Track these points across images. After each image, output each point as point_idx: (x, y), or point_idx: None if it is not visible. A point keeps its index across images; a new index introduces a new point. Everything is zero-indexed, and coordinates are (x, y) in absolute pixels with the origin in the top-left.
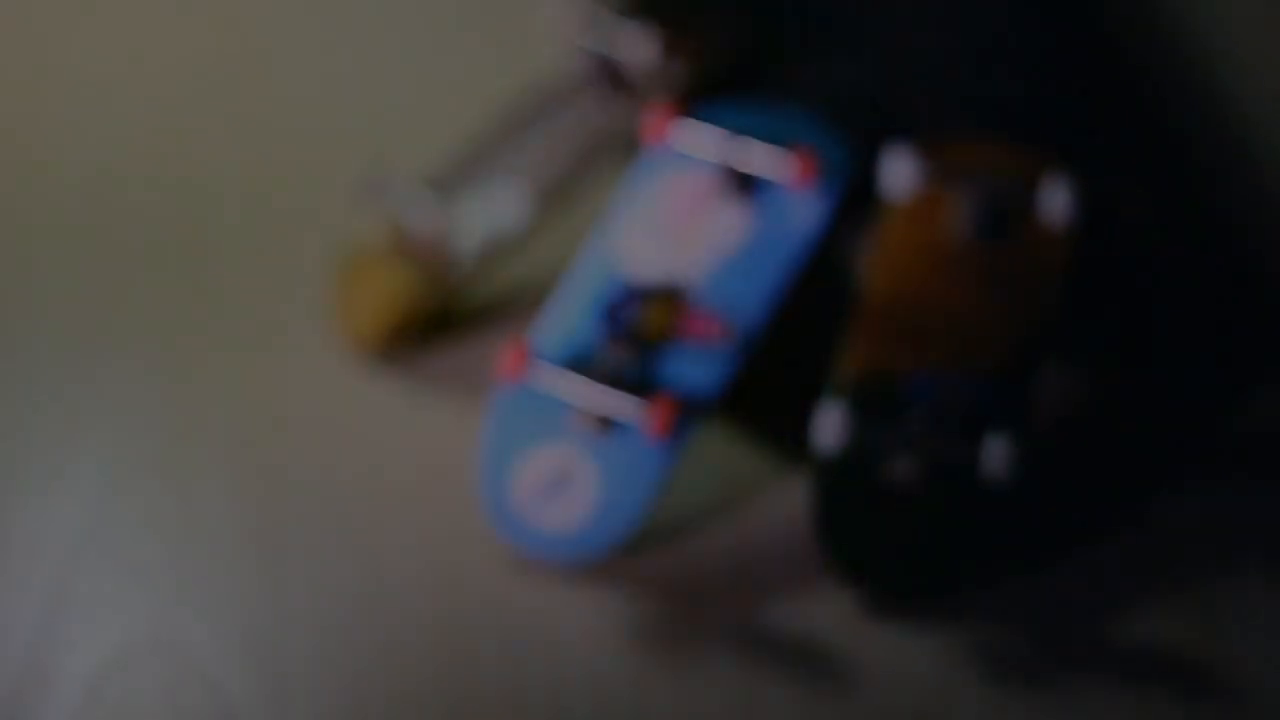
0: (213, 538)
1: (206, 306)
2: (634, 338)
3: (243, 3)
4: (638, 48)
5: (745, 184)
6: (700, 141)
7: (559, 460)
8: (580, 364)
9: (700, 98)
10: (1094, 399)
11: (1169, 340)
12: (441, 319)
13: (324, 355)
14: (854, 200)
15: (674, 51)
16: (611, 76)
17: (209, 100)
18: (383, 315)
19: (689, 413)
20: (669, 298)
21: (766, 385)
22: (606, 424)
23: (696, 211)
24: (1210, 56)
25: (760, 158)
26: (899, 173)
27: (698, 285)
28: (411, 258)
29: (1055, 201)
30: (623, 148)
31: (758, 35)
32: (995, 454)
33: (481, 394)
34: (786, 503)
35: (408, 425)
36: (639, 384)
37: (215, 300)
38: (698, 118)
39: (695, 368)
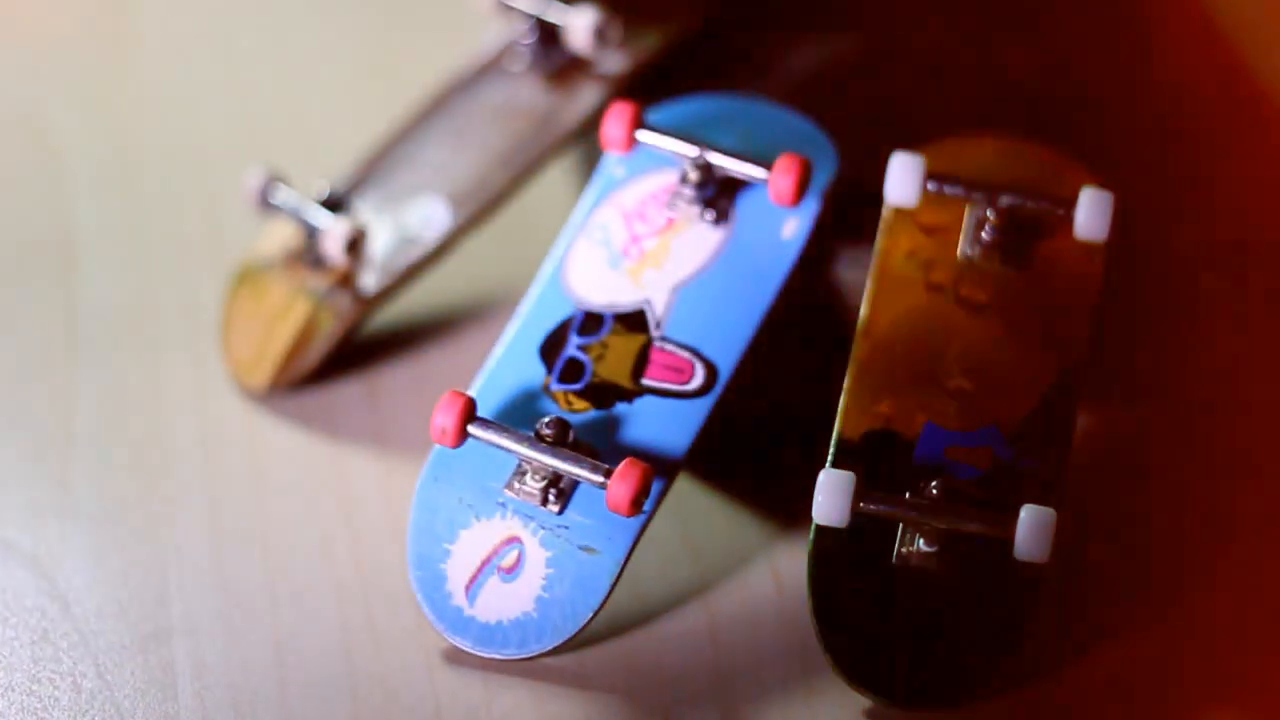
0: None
1: (77, 321)
2: (589, 384)
3: None
4: (586, 19)
5: (718, 195)
6: (666, 144)
7: (502, 537)
8: (526, 423)
9: (663, 89)
10: (1126, 443)
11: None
12: (345, 348)
13: (211, 384)
14: (848, 214)
15: (629, 24)
16: (552, 57)
17: (76, 86)
18: (273, 343)
19: (657, 474)
20: (630, 332)
21: (749, 439)
22: (559, 497)
23: (660, 229)
24: None
25: (735, 164)
26: (901, 180)
27: (662, 317)
28: (310, 275)
29: (1093, 213)
30: (572, 148)
31: (725, 9)
32: (1030, 527)
33: (394, 445)
34: (777, 582)
35: (305, 478)
36: (597, 443)
37: (88, 314)
38: (662, 116)
39: (662, 421)
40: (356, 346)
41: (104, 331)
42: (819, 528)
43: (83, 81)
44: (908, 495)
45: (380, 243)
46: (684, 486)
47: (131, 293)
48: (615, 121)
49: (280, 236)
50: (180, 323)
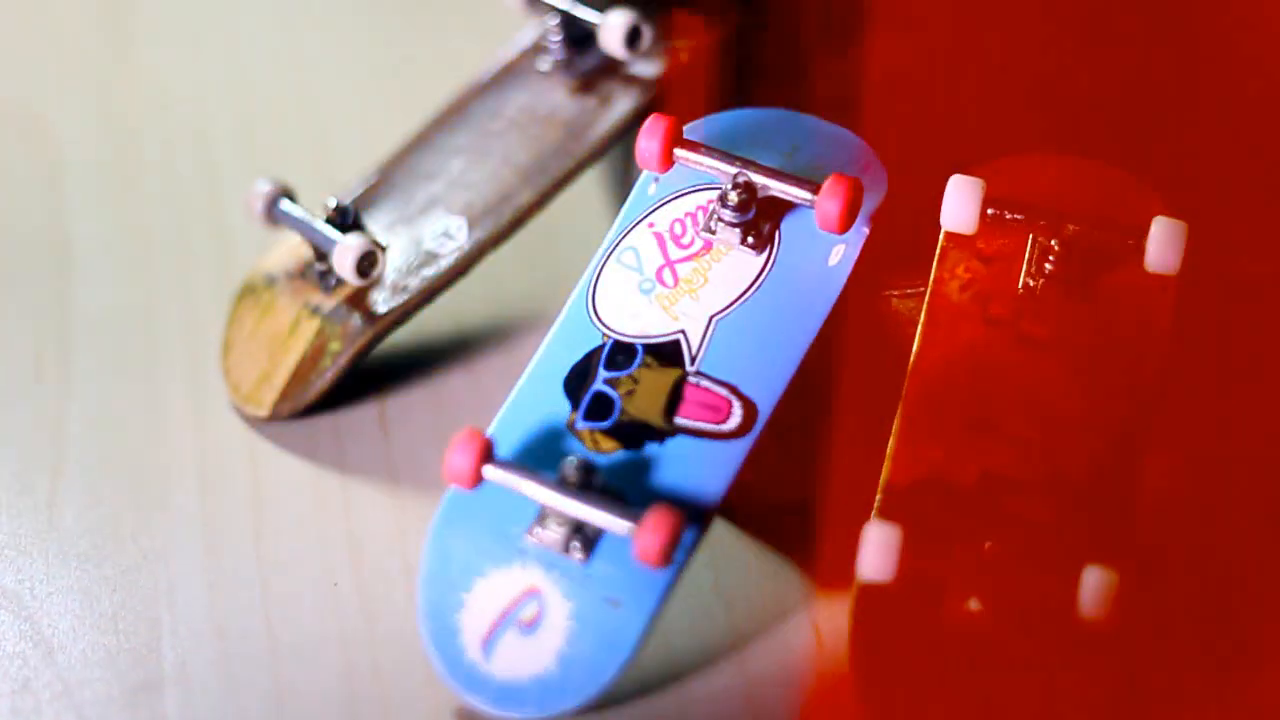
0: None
1: (70, 333)
2: (618, 422)
3: None
4: (620, 20)
5: (760, 218)
6: (705, 162)
7: (521, 588)
8: (549, 463)
9: (702, 99)
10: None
11: None
12: (355, 372)
13: (211, 408)
14: (899, 240)
15: (665, 26)
16: (583, 60)
17: (78, 79)
18: (278, 365)
19: (689, 524)
20: (662, 366)
21: (790, 484)
22: (583, 544)
23: (698, 254)
24: None
25: (780, 184)
26: (958, 204)
27: (697, 349)
28: (319, 293)
29: (1164, 245)
30: (606, 165)
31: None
32: (1093, 588)
33: (407, 479)
34: (817, 637)
35: (310, 514)
36: (625, 488)
37: (82, 326)
38: (701, 130)
39: (696, 463)
40: (368, 370)
41: (98, 346)
42: (864, 584)
43: (85, 75)
44: (960, 551)
45: (394, 261)
46: (718, 532)
47: (129, 304)
48: (651, 137)
49: (289, 251)
50: (180, 339)
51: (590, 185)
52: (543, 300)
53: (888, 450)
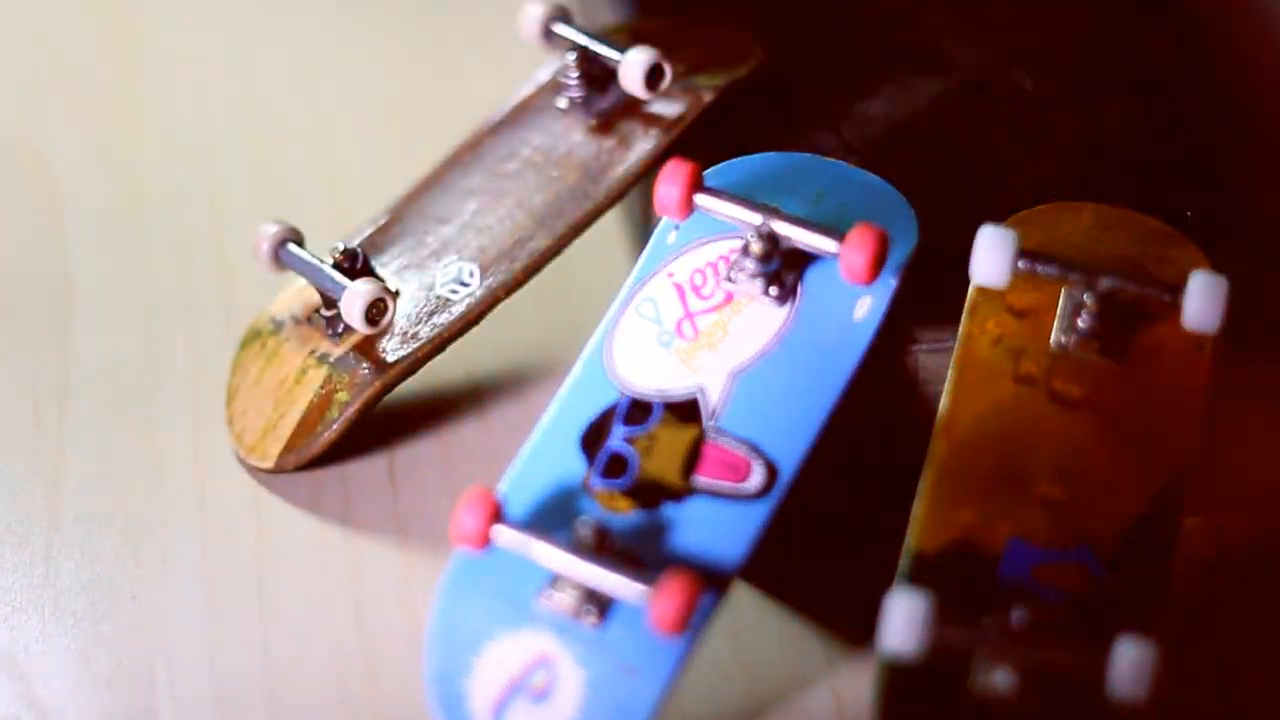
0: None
1: (69, 378)
2: (634, 481)
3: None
4: (641, 58)
5: (784, 269)
6: (727, 210)
7: (532, 653)
8: (562, 524)
9: (725, 142)
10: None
11: None
12: (364, 422)
13: (214, 459)
14: (928, 295)
15: (688, 65)
16: (602, 98)
17: (82, 113)
18: (283, 415)
19: (708, 589)
20: (680, 423)
21: (812, 549)
22: (597, 607)
23: (718, 305)
24: None
25: (804, 234)
26: (990, 258)
27: (718, 407)
28: (326, 340)
29: (1203, 301)
30: (625, 207)
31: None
32: (1128, 662)
33: (416, 535)
34: (839, 707)
35: (315, 572)
36: (641, 551)
37: (82, 371)
38: (723, 176)
39: (715, 525)
40: (376, 420)
41: (98, 393)
42: (888, 657)
43: (89, 112)
44: (988, 621)
45: (404, 307)
46: (738, 595)
47: (131, 350)
48: (670, 183)
49: (296, 294)
50: (183, 387)
51: (609, 229)
52: (558, 348)
53: (914, 513)
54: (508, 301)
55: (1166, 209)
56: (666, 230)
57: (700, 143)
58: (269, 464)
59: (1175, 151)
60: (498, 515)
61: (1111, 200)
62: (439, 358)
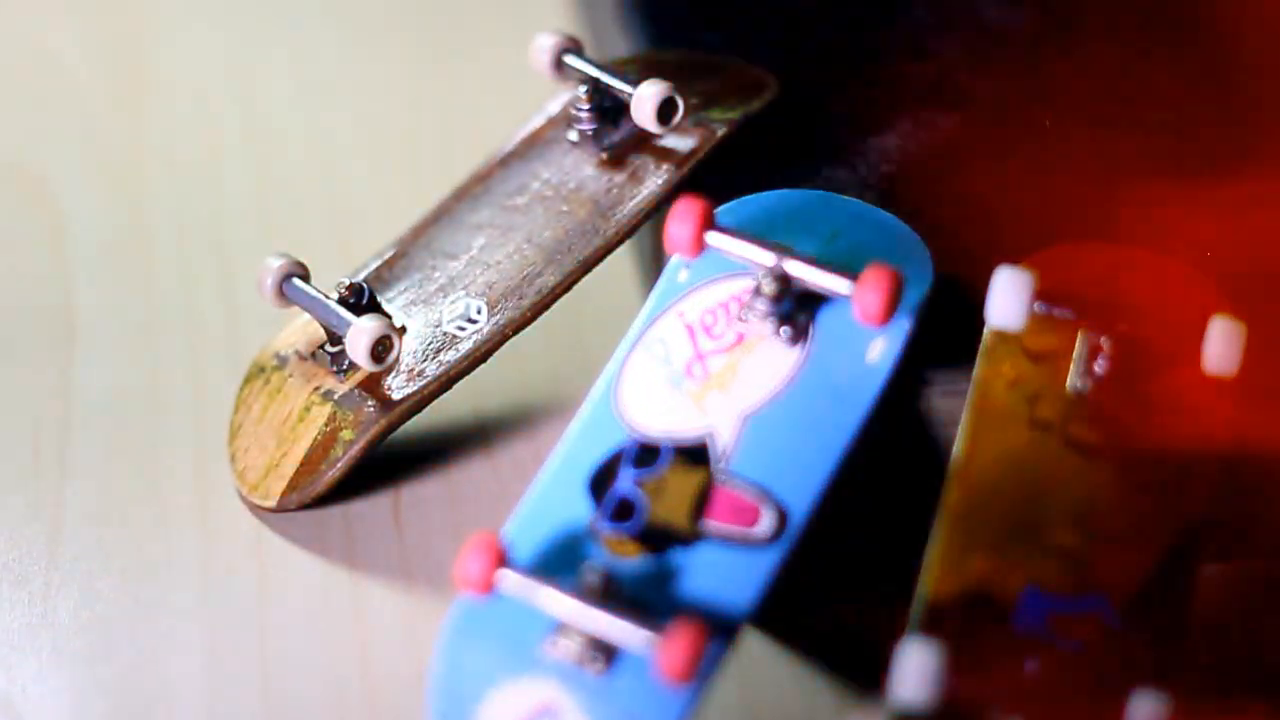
0: None
1: (71, 412)
2: (642, 526)
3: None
4: (654, 91)
5: (797, 309)
6: (738, 250)
7: (537, 701)
8: (567, 569)
9: (738, 177)
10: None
11: None
12: (367, 462)
13: (216, 497)
14: (935, 334)
15: (702, 98)
16: (615, 132)
17: (87, 142)
18: (287, 453)
19: (716, 636)
20: (690, 466)
21: (821, 596)
22: (602, 656)
23: (729, 346)
24: None
25: (816, 275)
26: (1005, 300)
27: (728, 450)
28: (331, 377)
29: (1222, 346)
30: (637, 243)
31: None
32: (1144, 716)
33: (421, 577)
34: None
35: (318, 613)
36: (648, 597)
37: (84, 405)
38: (735, 214)
39: (724, 571)
40: (381, 458)
41: (99, 429)
42: (899, 709)
43: (94, 141)
44: (1002, 672)
45: (410, 344)
46: (747, 641)
47: (133, 385)
48: (681, 221)
49: (300, 329)
50: (186, 423)
51: (621, 265)
52: (568, 386)
53: (927, 559)
54: (517, 338)
55: (1186, 248)
56: (677, 268)
57: (713, 177)
58: (271, 503)
59: (1195, 190)
60: (502, 560)
61: (1131, 241)
62: (450, 396)
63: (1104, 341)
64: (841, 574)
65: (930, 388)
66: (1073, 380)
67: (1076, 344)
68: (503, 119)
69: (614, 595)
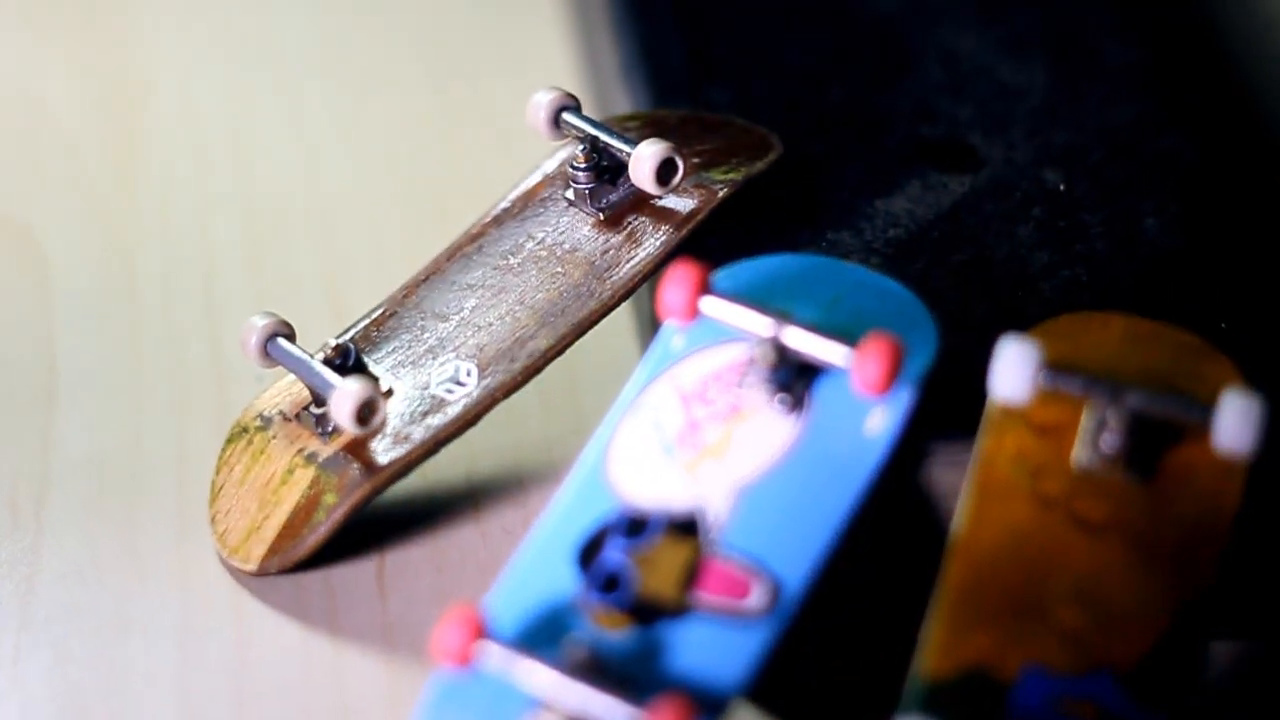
0: None
1: (49, 471)
2: (630, 598)
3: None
4: (653, 150)
5: (793, 380)
6: (735, 317)
7: None
8: (551, 642)
9: (739, 239)
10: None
11: None
12: (352, 525)
13: (196, 560)
14: (945, 409)
15: (702, 159)
16: (613, 192)
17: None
18: (268, 516)
19: (704, 714)
20: (681, 538)
21: (815, 675)
22: None
23: (723, 415)
24: None
25: (815, 343)
26: (1010, 372)
27: (720, 522)
28: (315, 440)
29: (1236, 422)
30: (636, 305)
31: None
32: None
33: (404, 646)
34: None
35: (296, 683)
36: (635, 672)
37: (63, 463)
38: (733, 279)
39: (714, 646)
40: (366, 521)
41: (79, 485)
42: None
43: (83, 189)
44: None
45: (398, 406)
46: (741, 716)
47: (116, 444)
48: (675, 287)
49: (285, 391)
50: (168, 484)
51: (619, 327)
52: (561, 451)
53: (924, 635)
54: (511, 401)
55: (1202, 321)
56: (671, 334)
57: (714, 240)
58: (252, 566)
59: (1213, 259)
60: (482, 632)
61: (1144, 310)
62: (439, 459)
63: (1112, 415)
64: (837, 649)
65: (932, 459)
66: (1078, 455)
67: (1083, 418)
68: (503, 176)
69: (598, 670)
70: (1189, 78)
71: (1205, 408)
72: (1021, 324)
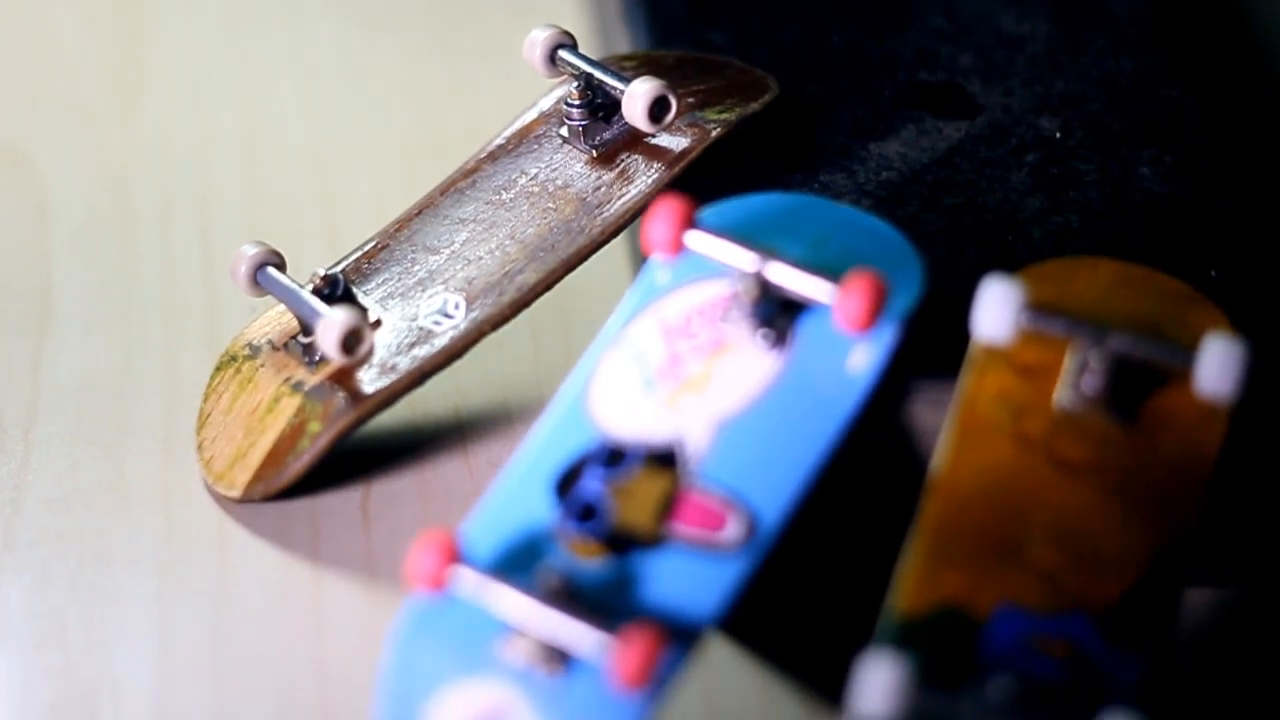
0: None
1: (39, 395)
2: (607, 528)
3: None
4: (647, 88)
5: (776, 315)
6: (719, 252)
7: (487, 703)
8: (526, 569)
9: (731, 178)
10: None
11: None
12: (338, 455)
13: (181, 486)
14: (928, 347)
15: (697, 98)
16: (606, 130)
17: (75, 118)
18: (254, 444)
19: (675, 643)
20: (659, 469)
21: (788, 608)
22: (557, 658)
23: (706, 349)
24: None
25: (799, 279)
26: (992, 311)
27: (699, 455)
28: (302, 369)
29: (1219, 367)
30: (628, 242)
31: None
32: None
33: (385, 575)
34: None
35: (275, 608)
36: (608, 601)
37: (53, 387)
38: (721, 216)
39: (688, 577)
40: (353, 452)
41: (68, 411)
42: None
43: (84, 122)
44: (967, 689)
45: (385, 337)
46: (714, 650)
47: (107, 367)
48: (661, 221)
49: (275, 321)
50: (157, 410)
51: (612, 265)
52: (551, 388)
53: (900, 572)
54: (504, 338)
55: (1192, 269)
56: (656, 269)
57: (708, 179)
58: (236, 493)
59: (1205, 209)
60: (457, 557)
61: (1135, 257)
62: (428, 392)
63: (1092, 358)
64: (814, 583)
65: (917, 398)
66: (1060, 396)
67: (1066, 359)
68: (507, 114)
69: (571, 597)
70: (1194, 30)
71: (1188, 352)
72: (1011, 268)
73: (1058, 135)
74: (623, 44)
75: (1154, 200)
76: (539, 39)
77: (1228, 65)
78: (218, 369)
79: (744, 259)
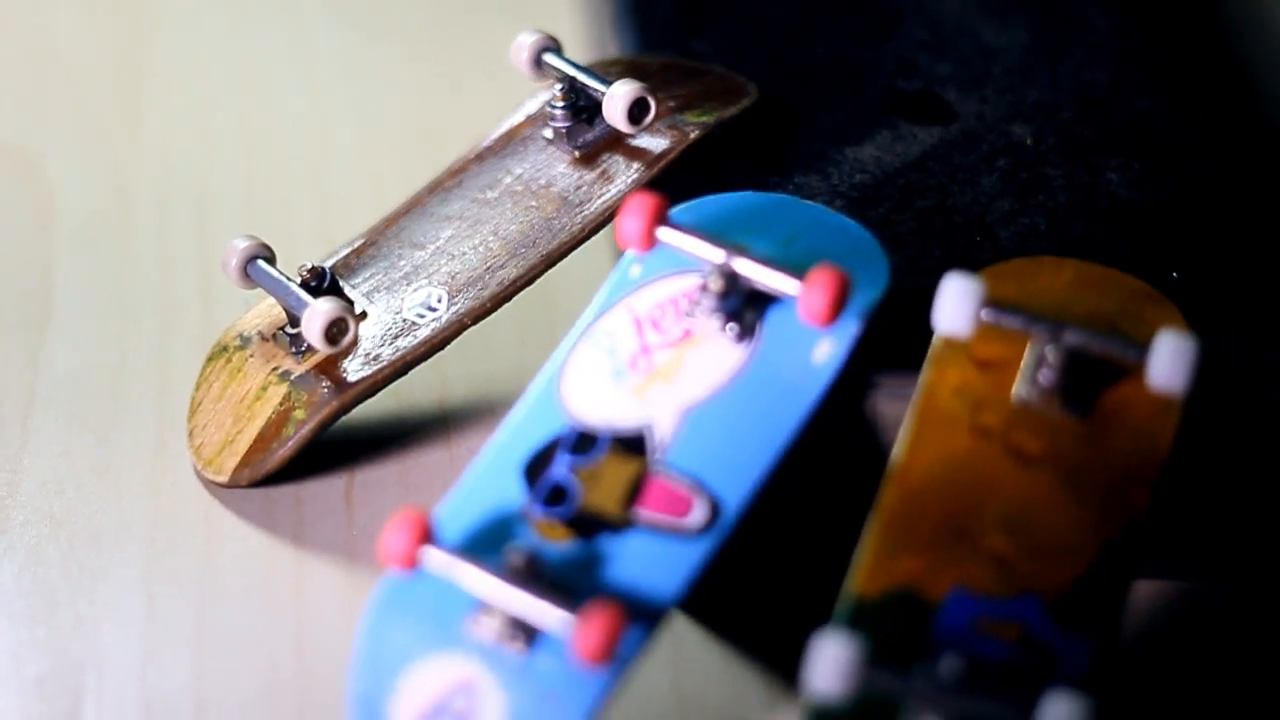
0: None
1: (37, 387)
2: (574, 511)
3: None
4: (627, 90)
5: (744, 308)
6: (688, 246)
7: (456, 678)
8: (495, 550)
9: (709, 178)
10: (1195, 631)
11: None
12: (324, 443)
13: (171, 473)
14: (889, 340)
15: (677, 101)
16: (588, 131)
17: (80, 119)
18: (241, 431)
19: (637, 622)
20: (626, 456)
21: (748, 590)
22: (523, 634)
23: (675, 341)
24: None
25: (765, 273)
26: (952, 306)
27: (666, 441)
28: (289, 358)
29: (1170, 362)
30: (611, 241)
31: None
32: (1058, 715)
33: (366, 559)
34: None
35: (258, 590)
36: (573, 581)
37: (51, 379)
38: (694, 213)
39: (651, 559)
40: (339, 440)
41: (65, 400)
42: (814, 702)
43: (89, 124)
44: (918, 669)
45: (370, 329)
46: (682, 630)
47: (103, 361)
48: (633, 215)
49: (265, 312)
50: (151, 400)
51: (595, 262)
52: (527, 373)
53: (857, 555)
54: (487, 331)
55: (1155, 271)
56: (630, 263)
57: (687, 179)
58: (223, 478)
59: (1170, 213)
60: (428, 537)
61: (1099, 259)
62: (414, 383)
63: (1050, 352)
64: (776, 567)
65: (880, 391)
66: (1018, 389)
67: (1025, 354)
68: (499, 116)
69: (537, 577)
70: (1169, 42)
71: (1141, 347)
72: (976, 268)
73: (1029, 142)
74: (614, 51)
75: (1120, 205)
76: (525, 43)
77: (1199, 77)
78: (209, 359)
79: (713, 253)
